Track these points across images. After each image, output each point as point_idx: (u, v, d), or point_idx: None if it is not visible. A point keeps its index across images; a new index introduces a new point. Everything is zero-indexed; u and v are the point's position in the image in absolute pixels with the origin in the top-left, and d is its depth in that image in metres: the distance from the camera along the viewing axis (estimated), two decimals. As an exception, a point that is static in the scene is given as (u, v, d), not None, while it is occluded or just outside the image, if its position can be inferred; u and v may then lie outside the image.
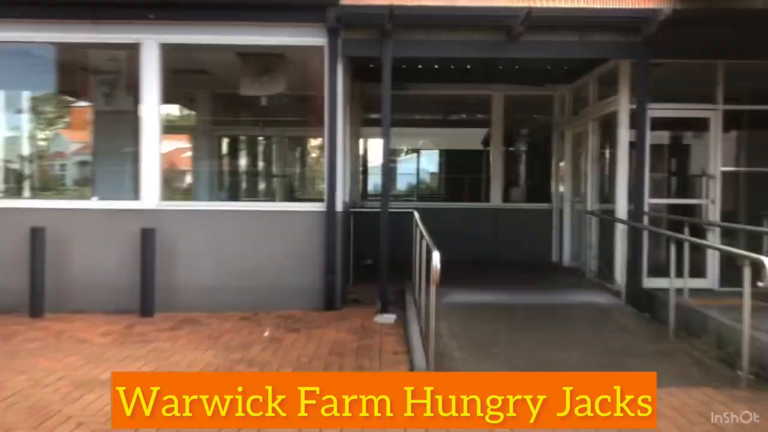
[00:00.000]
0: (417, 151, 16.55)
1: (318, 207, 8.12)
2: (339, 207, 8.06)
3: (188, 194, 13.26)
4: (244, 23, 8.00)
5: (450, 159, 15.50)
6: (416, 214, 7.40)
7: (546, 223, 11.89)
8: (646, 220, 8.34)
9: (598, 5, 7.92)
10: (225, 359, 5.84)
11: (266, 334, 6.80)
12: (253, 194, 14.98)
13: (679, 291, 7.34)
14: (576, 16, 7.90)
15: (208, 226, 8.12)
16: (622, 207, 8.74)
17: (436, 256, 5.06)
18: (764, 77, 9.54)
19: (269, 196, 14.25)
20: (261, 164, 15.41)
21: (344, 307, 8.20)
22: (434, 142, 16.37)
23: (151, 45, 8.02)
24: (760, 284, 5.01)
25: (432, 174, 17.23)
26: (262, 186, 15.36)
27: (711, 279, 8.64)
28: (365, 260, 10.96)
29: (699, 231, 8.65)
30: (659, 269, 8.07)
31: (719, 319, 6.57)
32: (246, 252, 8.08)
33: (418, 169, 16.34)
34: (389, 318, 7.55)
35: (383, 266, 7.99)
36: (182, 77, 10.04)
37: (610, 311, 7.75)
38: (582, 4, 7.94)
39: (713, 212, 8.74)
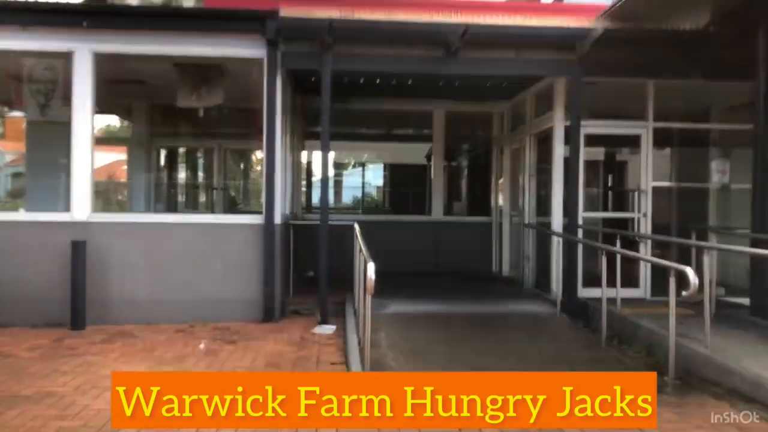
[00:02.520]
0: (362, 164, 16.66)
1: (256, 219, 8.04)
2: (278, 219, 8.00)
3: (124, 206, 12.95)
4: (182, 33, 7.91)
5: (394, 173, 15.64)
6: (356, 227, 7.41)
7: (486, 235, 12.08)
8: (580, 232, 8.55)
9: (534, 23, 8.14)
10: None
11: (202, 346, 6.66)
12: (192, 207, 14.74)
13: (612, 300, 7.56)
14: (513, 34, 8.10)
15: (143, 239, 7.94)
16: (557, 220, 8.96)
17: (371, 267, 5.07)
18: (692, 96, 9.98)
19: (209, 208, 14.04)
20: (200, 176, 15.19)
21: (283, 318, 8.13)
22: (379, 156, 16.51)
23: (83, 54, 7.81)
24: (684, 294, 5.18)
25: (377, 187, 17.35)
26: (201, 198, 15.14)
27: (643, 289, 8.92)
28: (307, 272, 10.91)
29: (632, 243, 8.93)
30: (594, 280, 8.29)
31: (649, 327, 6.78)
32: (182, 264, 7.92)
33: (363, 183, 16.45)
34: (329, 329, 7.51)
35: (323, 278, 7.96)
36: (118, 87, 9.82)
37: (546, 320, 7.90)
38: (519, 22, 8.15)
39: (644, 225, 9.03)
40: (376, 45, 8.17)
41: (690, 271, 5.22)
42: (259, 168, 15.56)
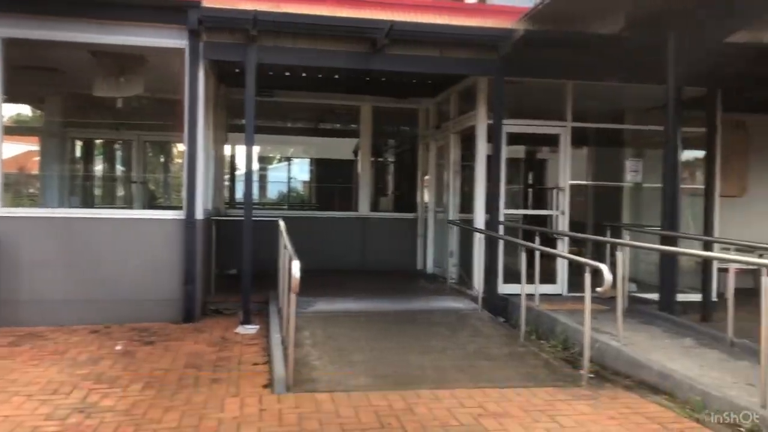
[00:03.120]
0: (288, 159, 16.45)
1: (177, 215, 7.82)
2: (199, 215, 7.81)
3: (36, 200, 12.35)
4: (99, 21, 7.57)
5: (321, 168, 15.54)
6: (281, 223, 7.32)
7: (411, 232, 12.19)
8: (501, 229, 8.75)
9: (457, 23, 8.24)
10: (70, 375, 5.46)
11: (118, 347, 6.44)
12: (109, 201, 14.20)
13: (531, 296, 7.77)
14: (437, 33, 8.17)
15: (56, 235, 7.58)
16: (480, 217, 9.13)
17: (295, 265, 5.02)
18: (608, 98, 10.37)
19: (127, 203, 13.56)
20: (118, 169, 14.64)
21: (205, 318, 7.96)
22: (305, 151, 16.36)
23: (-9, 39, 7.39)
24: (598, 290, 5.37)
25: (303, 182, 17.18)
26: (119, 192, 14.60)
27: (560, 285, 9.23)
28: (230, 270, 10.72)
29: (550, 240, 9.21)
30: (514, 276, 8.49)
31: (565, 322, 7.01)
32: (98, 262, 7.62)
33: (289, 178, 16.24)
34: (251, 329, 7.40)
35: (246, 276, 7.83)
36: (30, 74, 9.33)
37: (468, 317, 8.04)
38: (443, 22, 8.23)
39: (563, 222, 9.32)
40: (301, 39, 8.08)
41: (604, 268, 5.41)
42: (180, 161, 15.13)
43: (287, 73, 10.26)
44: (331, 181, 14.92)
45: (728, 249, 7.85)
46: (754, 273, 8.52)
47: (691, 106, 8.98)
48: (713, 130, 9.15)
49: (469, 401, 4.90)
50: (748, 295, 8.68)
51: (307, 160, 16.29)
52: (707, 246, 8.55)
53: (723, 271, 9.53)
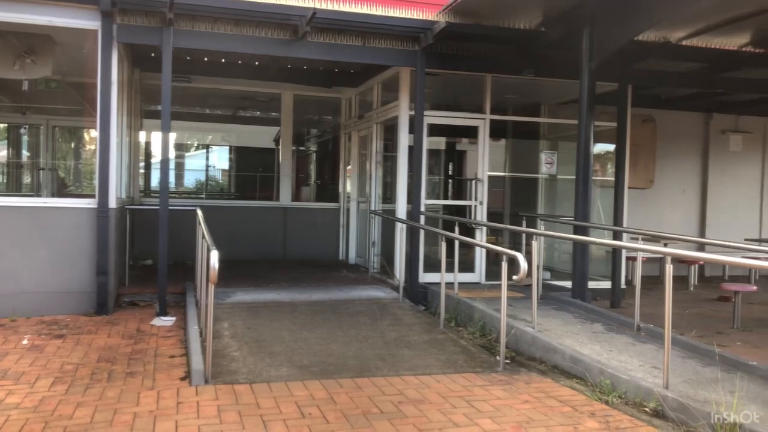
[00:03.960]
0: (207, 146, 16.07)
1: (89, 203, 7.50)
2: (113, 203, 7.51)
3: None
4: (2, -3, 7.14)
5: (240, 156, 15.28)
6: (199, 212, 7.14)
7: (334, 222, 12.17)
8: (422, 219, 8.85)
9: (381, 13, 8.25)
10: (-29, 373, 5.17)
11: (25, 342, 6.13)
12: (15, 188, 13.46)
13: (451, 285, 7.92)
14: (360, 22, 8.15)
15: (-46, 224, 7.13)
16: (402, 207, 9.21)
17: (214, 255, 4.92)
18: (525, 91, 10.66)
19: (34, 190, 12.90)
20: (25, 155, 13.89)
21: (119, 310, 7.70)
22: (224, 139, 16.03)
23: None
24: (515, 278, 5.52)
25: (222, 171, 16.84)
26: (26, 180, 13.86)
27: (478, 273, 9.44)
28: (145, 260, 10.42)
29: (469, 230, 9.41)
30: (434, 265, 8.63)
31: (483, 309, 7.19)
32: (3, 253, 7.22)
33: (207, 166, 15.88)
34: (168, 320, 7.21)
35: (162, 266, 7.60)
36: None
37: (389, 305, 8.11)
38: (367, 10, 8.22)
39: (481, 212, 9.53)
40: (221, 24, 7.88)
41: (520, 257, 5.57)
42: (92, 147, 14.53)
43: (206, 59, 10.02)
44: (252, 169, 14.71)
45: (636, 238, 8.26)
46: (660, 261, 9.02)
47: (604, 100, 9.35)
48: (623, 124, 9.56)
49: (389, 389, 4.96)
50: (654, 282, 9.20)
51: (227, 148, 15.97)
52: (616, 235, 8.96)
53: (631, 259, 10.05)
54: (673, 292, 4.81)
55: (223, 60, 10.11)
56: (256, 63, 10.21)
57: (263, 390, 4.84)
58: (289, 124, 12.15)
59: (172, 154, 13.25)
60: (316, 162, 15.04)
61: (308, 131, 14.60)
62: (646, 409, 4.64)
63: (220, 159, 16.41)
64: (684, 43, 8.75)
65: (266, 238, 11.59)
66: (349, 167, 12.23)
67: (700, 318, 8.13)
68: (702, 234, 12.53)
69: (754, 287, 8.43)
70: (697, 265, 11.02)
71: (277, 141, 12.90)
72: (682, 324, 6.96)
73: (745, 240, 11.02)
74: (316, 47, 8.24)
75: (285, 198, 12.05)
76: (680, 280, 9.70)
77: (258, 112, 14.25)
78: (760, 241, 11.80)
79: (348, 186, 12.20)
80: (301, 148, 14.32)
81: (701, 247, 10.76)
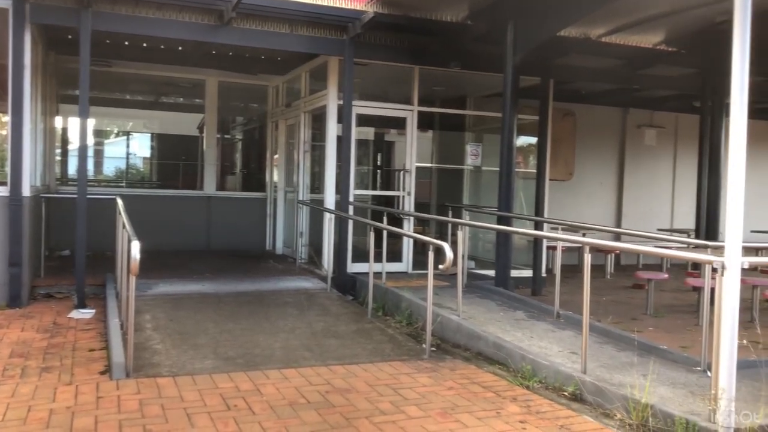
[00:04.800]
0: (127, 133, 15.53)
1: (0, 192, 7.13)
2: (26, 191, 7.17)
3: None
4: None
5: (163, 143, 14.85)
6: (119, 201, 6.91)
7: (260, 212, 12.02)
8: (351, 209, 8.87)
9: (309, 1, 8.17)
10: None
11: (-72, 338, 5.80)
12: None
13: (379, 275, 7.98)
14: (288, 9, 8.07)
15: None
16: (330, 197, 9.19)
17: (135, 246, 4.77)
18: (453, 84, 10.80)
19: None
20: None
21: (34, 303, 7.40)
22: (146, 125, 15.53)
23: None
24: (440, 267, 5.61)
25: (143, 158, 16.32)
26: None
27: (406, 263, 9.54)
28: (62, 251, 10.02)
29: (397, 220, 9.49)
30: (362, 255, 8.67)
31: (410, 298, 7.27)
32: None
33: (127, 153, 15.34)
34: (87, 313, 6.96)
35: (80, 257, 7.33)
36: None
37: (317, 296, 8.10)
38: (295, -2, 8.14)
39: (409, 203, 9.62)
40: (142, 7, 7.63)
41: (446, 246, 5.65)
42: (4, 133, 13.79)
43: (126, 43, 9.67)
44: (175, 157, 14.33)
45: (556, 228, 8.55)
46: (579, 250, 9.35)
47: (527, 94, 9.58)
48: (545, 118, 9.84)
49: (316, 379, 4.96)
50: (573, 271, 9.54)
51: (148, 135, 15.47)
52: (538, 226, 9.24)
53: (551, 248, 10.37)
54: (591, 280, 5.00)
55: (144, 44, 9.79)
56: (180, 48, 9.93)
57: (187, 383, 4.75)
58: (213, 111, 11.90)
59: (90, 140, 12.72)
60: (242, 150, 14.78)
61: (234, 119, 14.33)
62: (566, 393, 4.82)
63: (142, 146, 15.89)
64: (603, 39, 9.06)
65: (190, 228, 11.34)
66: (276, 156, 12.09)
67: (615, 305, 8.49)
68: (618, 224, 13.08)
69: (666, 275, 8.88)
70: (613, 254, 11.49)
71: (201, 128, 12.60)
72: (600, 311, 7.25)
73: (658, 230, 11.59)
74: (242, 34, 8.10)
75: (209, 187, 11.81)
76: (598, 269, 10.09)
77: (181, 99, 13.87)
78: (671, 231, 12.42)
79: (275, 175, 12.07)
80: (226, 136, 14.05)
81: (617, 236, 11.22)
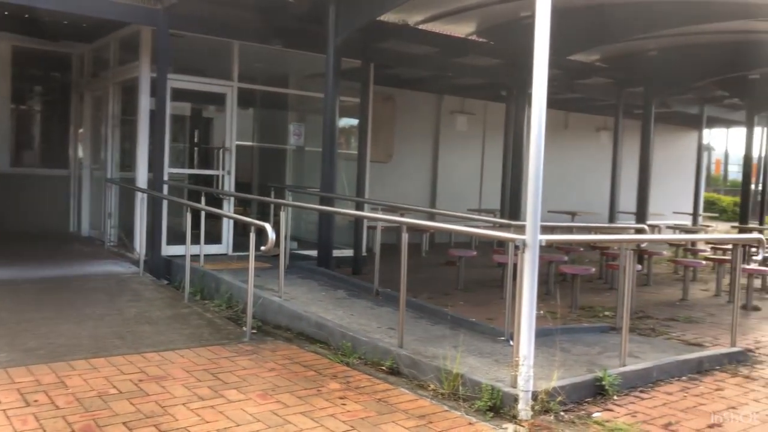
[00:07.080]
0: None
1: None
2: None
3: None
4: None
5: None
6: None
7: (63, 190, 11.08)
8: (165, 189, 8.44)
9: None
10: None
11: None
12: None
13: (197, 257, 7.69)
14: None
15: None
16: (142, 175, 8.69)
17: None
18: (275, 62, 10.63)
19: None
20: None
21: None
22: None
23: None
24: (263, 248, 5.53)
25: None
26: None
27: (226, 245, 9.30)
28: None
29: (217, 200, 9.19)
30: (179, 237, 8.29)
31: (230, 280, 7.11)
32: None
33: None
34: None
35: None
36: None
37: (129, 281, 7.64)
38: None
39: (228, 183, 9.36)
40: None
41: (268, 227, 5.58)
42: None
43: None
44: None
45: (376, 209, 8.78)
46: (397, 230, 9.69)
47: (349, 76, 9.70)
48: (366, 100, 10.03)
49: (129, 368, 4.68)
50: (392, 250, 9.88)
51: None
52: (359, 206, 9.43)
53: (372, 228, 10.64)
54: (408, 258, 5.20)
55: None
56: (-37, 5, 8.76)
57: (-24, 380, 4.26)
58: (6, 79, 10.71)
59: None
60: (41, 123, 13.41)
61: (32, 88, 12.95)
62: (383, 368, 4.98)
63: None
64: (421, 27, 9.40)
65: (-22, 208, 10.16)
66: (81, 131, 11.16)
67: (430, 281, 8.93)
68: (433, 204, 13.74)
69: (474, 252, 9.48)
70: (428, 233, 12.06)
71: (-9, 97, 11.26)
72: (416, 287, 7.57)
73: (468, 210, 12.34)
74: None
75: (2, 163, 10.64)
76: (415, 247, 10.54)
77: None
78: (480, 211, 13.29)
79: (80, 151, 11.14)
80: (22, 106, 12.68)
81: (432, 216, 11.79)
